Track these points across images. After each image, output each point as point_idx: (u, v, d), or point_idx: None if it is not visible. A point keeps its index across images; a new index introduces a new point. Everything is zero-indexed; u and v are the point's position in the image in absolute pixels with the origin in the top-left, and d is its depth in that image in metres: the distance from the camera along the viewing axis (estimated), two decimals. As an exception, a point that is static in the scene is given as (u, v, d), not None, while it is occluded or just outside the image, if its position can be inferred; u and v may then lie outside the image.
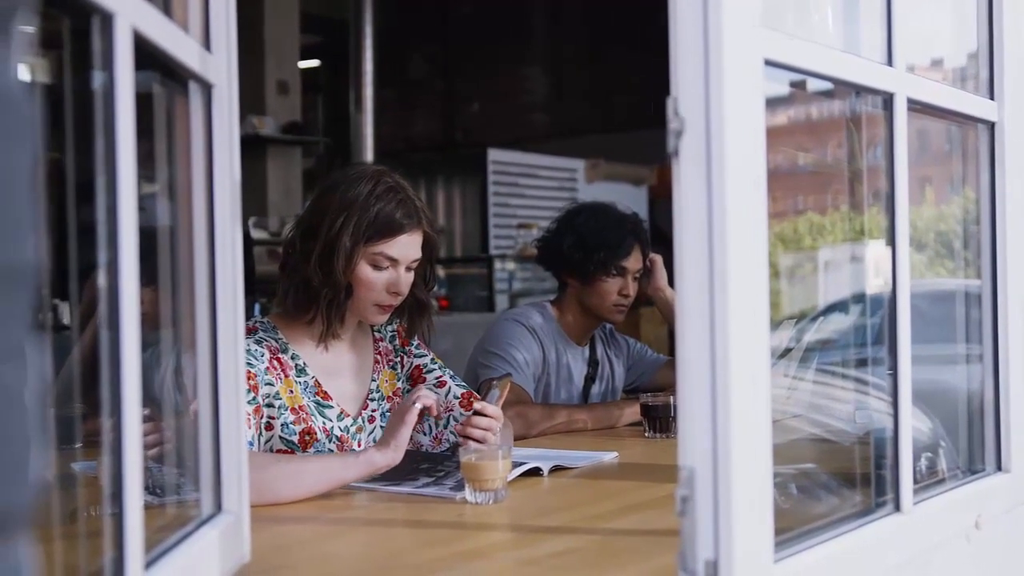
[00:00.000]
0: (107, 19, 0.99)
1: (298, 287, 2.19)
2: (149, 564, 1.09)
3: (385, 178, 2.21)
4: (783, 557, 1.26)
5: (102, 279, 1.01)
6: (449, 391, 2.36)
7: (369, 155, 8.49)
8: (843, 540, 1.40)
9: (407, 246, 2.20)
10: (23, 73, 0.60)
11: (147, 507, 1.07)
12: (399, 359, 2.40)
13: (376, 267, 2.18)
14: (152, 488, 1.37)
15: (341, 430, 2.23)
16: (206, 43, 1.35)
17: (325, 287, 2.16)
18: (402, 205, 2.19)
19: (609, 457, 2.36)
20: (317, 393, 2.22)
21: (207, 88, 1.35)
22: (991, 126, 1.81)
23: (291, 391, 2.18)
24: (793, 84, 1.47)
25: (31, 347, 0.60)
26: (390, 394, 2.36)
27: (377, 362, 2.36)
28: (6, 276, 0.57)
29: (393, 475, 2.04)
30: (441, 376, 2.39)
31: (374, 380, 2.34)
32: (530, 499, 1.98)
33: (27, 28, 0.61)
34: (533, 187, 8.13)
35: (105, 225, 1.00)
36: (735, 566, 1.15)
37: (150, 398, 1.16)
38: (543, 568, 1.49)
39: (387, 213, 2.16)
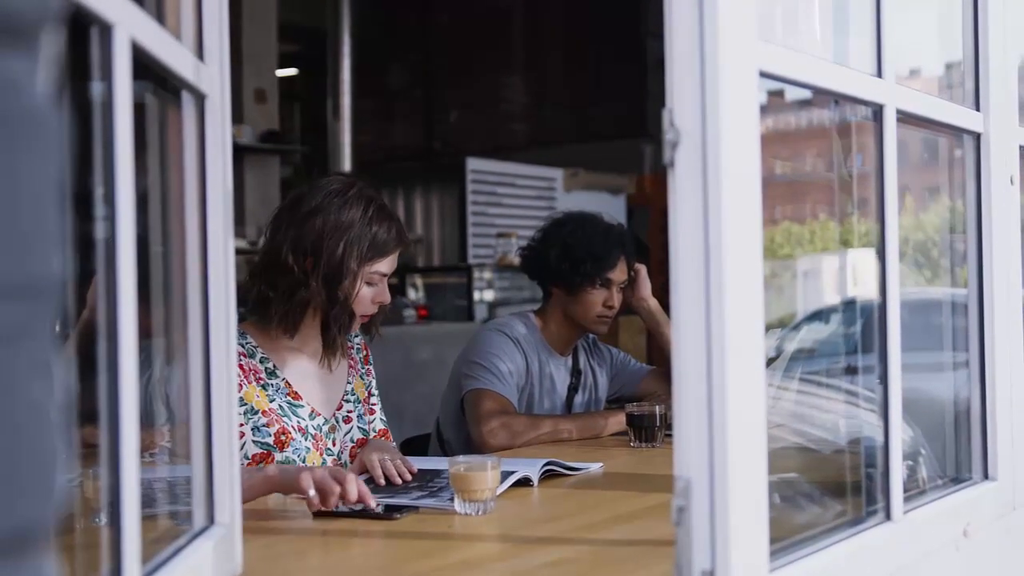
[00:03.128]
0: (106, 29, 0.98)
1: (297, 307, 2.24)
2: (145, 577, 1.09)
3: (368, 195, 2.30)
4: (778, 567, 1.26)
5: (100, 290, 1.00)
6: (373, 421, 2.47)
7: (347, 164, 8.48)
8: (836, 549, 1.40)
9: (395, 260, 2.33)
10: (48, 88, 0.60)
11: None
12: (365, 370, 2.50)
13: (369, 284, 2.28)
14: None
15: (315, 428, 2.28)
16: (199, 53, 1.34)
17: (334, 308, 2.24)
18: (394, 223, 2.31)
19: (595, 467, 2.35)
20: (288, 394, 2.27)
21: (200, 98, 1.34)
22: (977, 137, 1.83)
23: (257, 395, 2.22)
24: (770, 92, 1.48)
25: (56, 361, 0.59)
26: (363, 399, 2.45)
27: (351, 367, 2.44)
28: (33, 291, 0.57)
29: (386, 490, 2.03)
30: (375, 404, 2.51)
31: (349, 383, 2.42)
32: (519, 510, 1.98)
33: (53, 41, 0.61)
34: (512, 196, 8.13)
35: (103, 235, 0.99)
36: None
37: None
38: (538, 579, 1.49)
39: (383, 234, 2.27)
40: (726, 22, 1.16)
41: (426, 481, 2.12)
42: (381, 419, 2.51)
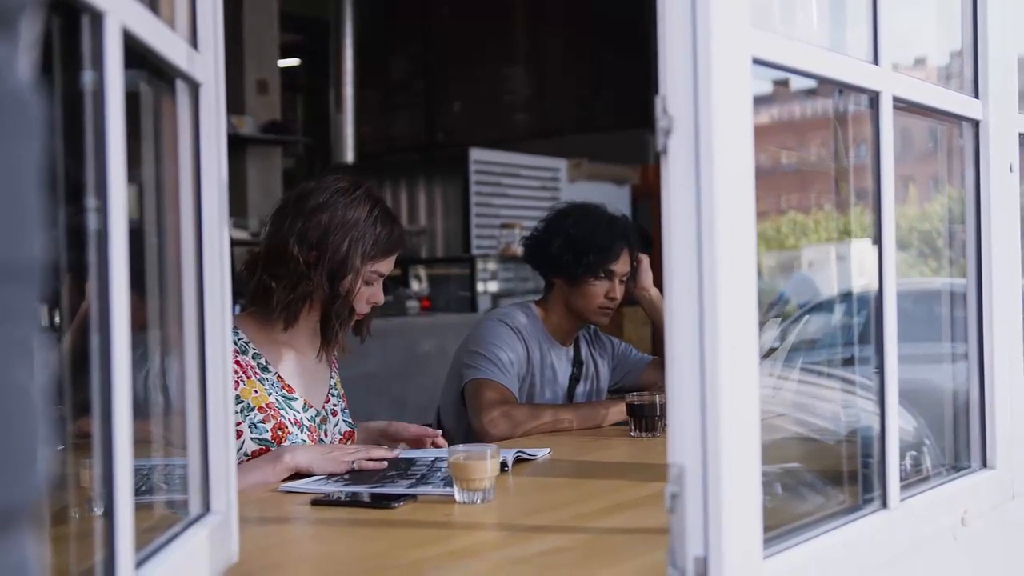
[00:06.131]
0: (97, 18, 0.98)
1: (298, 299, 2.27)
2: (139, 564, 1.09)
3: (374, 197, 2.34)
4: (772, 554, 1.27)
5: (92, 281, 1.00)
6: (337, 424, 2.46)
7: (349, 155, 8.48)
8: (831, 536, 1.40)
9: (392, 263, 2.37)
10: (29, 72, 0.60)
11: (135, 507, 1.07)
12: (338, 368, 2.54)
13: (367, 283, 2.32)
14: (138, 488, 1.36)
15: (309, 421, 2.32)
16: (193, 41, 1.34)
17: (334, 304, 2.27)
18: (396, 226, 2.35)
19: (544, 453, 2.37)
20: (282, 387, 2.30)
21: (194, 87, 1.34)
22: (975, 124, 1.82)
23: (255, 391, 2.26)
24: (776, 82, 1.48)
25: (38, 344, 0.60)
26: (343, 394, 2.50)
27: (333, 363, 2.49)
28: (14, 273, 0.57)
29: (370, 480, 2.03)
30: (342, 403, 2.51)
31: (332, 377, 2.47)
32: (517, 499, 1.98)
33: (33, 26, 0.61)
34: (516, 187, 8.12)
35: (94, 226, 0.99)
36: (725, 563, 1.16)
37: (135, 399, 1.15)
38: (534, 566, 1.50)
39: (386, 235, 2.31)
40: (719, 9, 1.16)
41: (404, 469, 2.12)
42: (346, 421, 2.53)
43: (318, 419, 2.36)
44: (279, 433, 2.24)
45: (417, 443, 2.42)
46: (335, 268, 2.26)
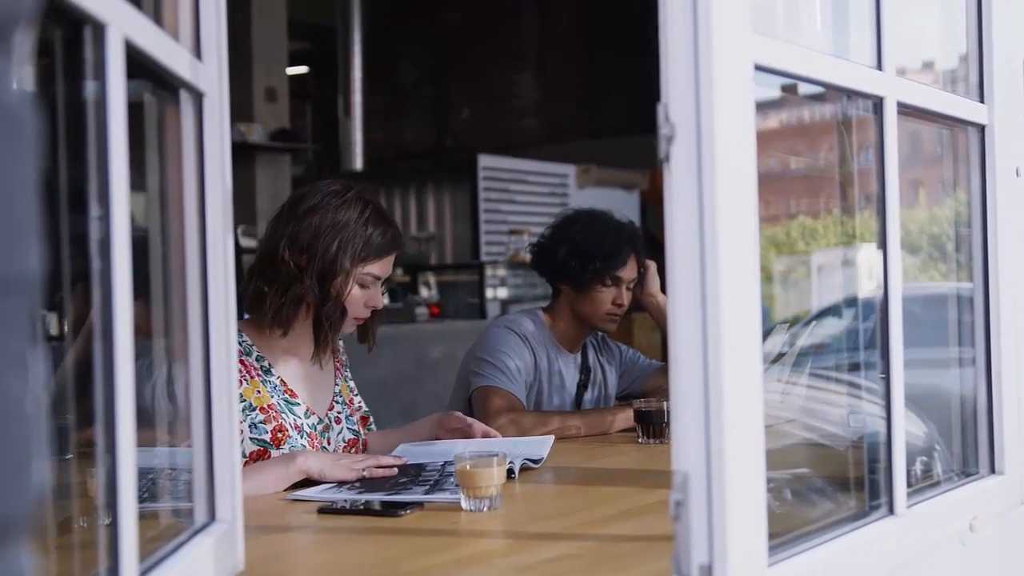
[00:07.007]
0: (99, 29, 0.99)
1: (291, 302, 2.27)
2: (143, 573, 1.09)
3: (367, 199, 2.34)
4: (777, 561, 1.26)
5: (95, 290, 1.00)
6: (341, 432, 2.46)
7: (358, 162, 8.48)
8: (837, 543, 1.40)
9: (390, 265, 2.36)
10: (24, 84, 0.60)
11: (140, 516, 1.07)
12: (347, 373, 2.54)
13: (362, 286, 2.31)
14: (143, 496, 1.37)
15: (310, 427, 2.32)
16: (197, 52, 1.34)
17: (324, 306, 2.27)
18: (390, 228, 2.34)
19: (548, 444, 2.39)
20: (285, 392, 2.31)
21: (198, 97, 1.34)
22: (981, 129, 1.82)
23: (258, 391, 2.26)
24: (784, 88, 1.48)
25: (33, 356, 0.60)
26: (349, 400, 2.49)
27: (338, 370, 2.49)
28: (9, 285, 0.57)
29: (382, 488, 2.03)
30: (358, 399, 2.54)
31: (336, 384, 2.46)
32: (524, 506, 1.98)
33: (27, 39, 0.61)
34: (524, 193, 8.12)
35: (97, 235, 1.00)
36: (729, 570, 1.15)
37: (142, 408, 1.16)
38: (540, 574, 1.49)
39: (379, 236, 2.31)
40: (720, 15, 1.16)
41: (415, 476, 2.12)
42: (350, 428, 2.51)
43: (320, 427, 2.36)
44: (279, 435, 2.24)
45: (465, 434, 2.44)
46: (325, 269, 2.26)
